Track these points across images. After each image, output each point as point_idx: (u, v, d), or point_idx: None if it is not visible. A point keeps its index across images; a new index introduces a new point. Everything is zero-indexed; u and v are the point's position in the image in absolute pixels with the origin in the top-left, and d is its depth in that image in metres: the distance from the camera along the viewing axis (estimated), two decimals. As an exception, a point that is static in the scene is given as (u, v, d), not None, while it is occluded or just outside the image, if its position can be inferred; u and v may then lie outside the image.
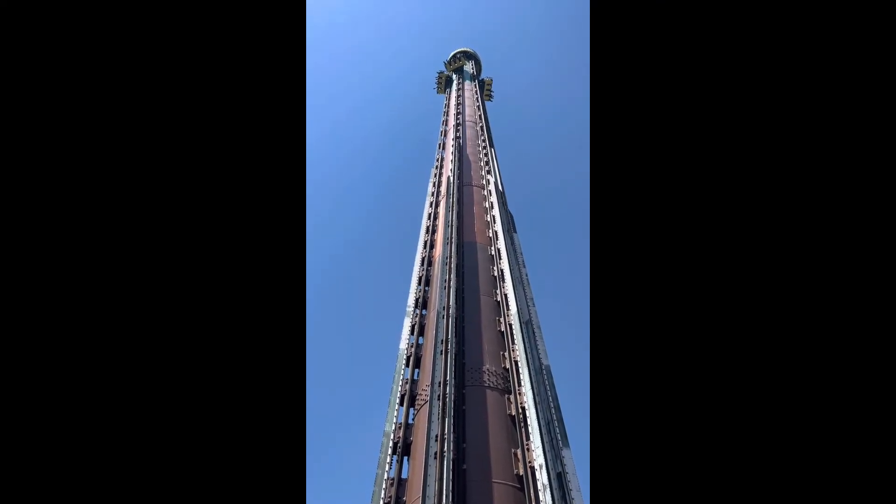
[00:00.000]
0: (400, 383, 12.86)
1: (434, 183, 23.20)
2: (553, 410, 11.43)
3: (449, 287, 14.28)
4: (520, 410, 11.11)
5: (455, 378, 11.38)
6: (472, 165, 23.47)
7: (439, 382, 11.15)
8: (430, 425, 10.17)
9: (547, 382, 12.41)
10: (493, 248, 17.26)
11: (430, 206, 21.22)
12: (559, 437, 10.72)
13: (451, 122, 29.08)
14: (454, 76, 38.23)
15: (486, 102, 35.13)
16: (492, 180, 21.38)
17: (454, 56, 40.14)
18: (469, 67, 39.24)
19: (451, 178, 20.84)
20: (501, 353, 13.00)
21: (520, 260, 17.63)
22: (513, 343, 12.91)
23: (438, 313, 13.59)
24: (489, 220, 19.01)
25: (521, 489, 9.88)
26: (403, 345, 14.18)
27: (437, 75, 39.48)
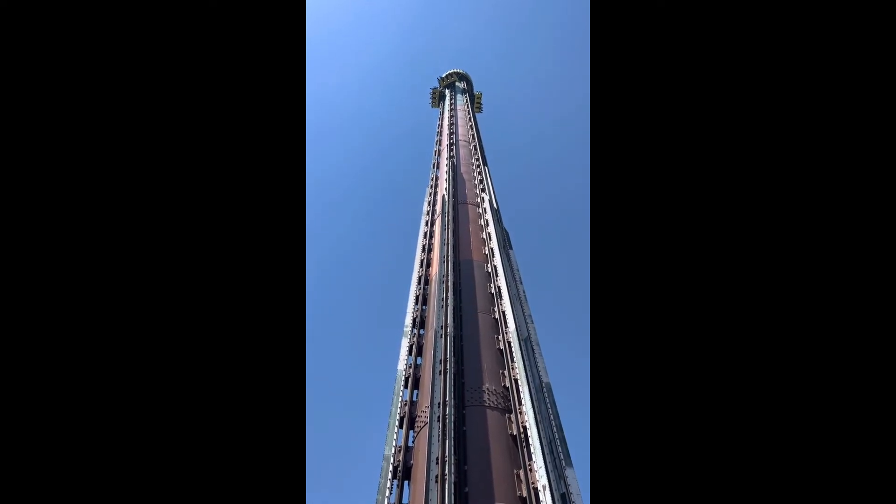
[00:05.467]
0: (399, 405, 12.71)
1: (429, 202, 23.24)
2: (555, 429, 11.30)
3: (446, 305, 14.19)
4: (521, 430, 10.97)
5: (455, 398, 11.25)
6: (467, 184, 23.53)
7: (439, 403, 11.02)
8: (430, 448, 10.03)
9: (548, 400, 12.29)
10: (489, 265, 17.21)
11: (426, 224, 21.23)
12: (562, 457, 10.58)
13: (445, 141, 29.27)
14: (447, 91, 39.40)
15: (476, 115, 36.00)
16: (486, 198, 21.40)
17: (448, 74, 41.63)
18: (461, 84, 40.56)
19: (447, 197, 20.86)
20: (501, 371, 12.88)
21: (517, 277, 17.57)
22: (512, 361, 12.80)
23: (436, 332, 13.49)
24: (485, 237, 18.99)
25: (525, 511, 9.71)
26: (401, 365, 14.05)
27: (431, 91, 41.06)
